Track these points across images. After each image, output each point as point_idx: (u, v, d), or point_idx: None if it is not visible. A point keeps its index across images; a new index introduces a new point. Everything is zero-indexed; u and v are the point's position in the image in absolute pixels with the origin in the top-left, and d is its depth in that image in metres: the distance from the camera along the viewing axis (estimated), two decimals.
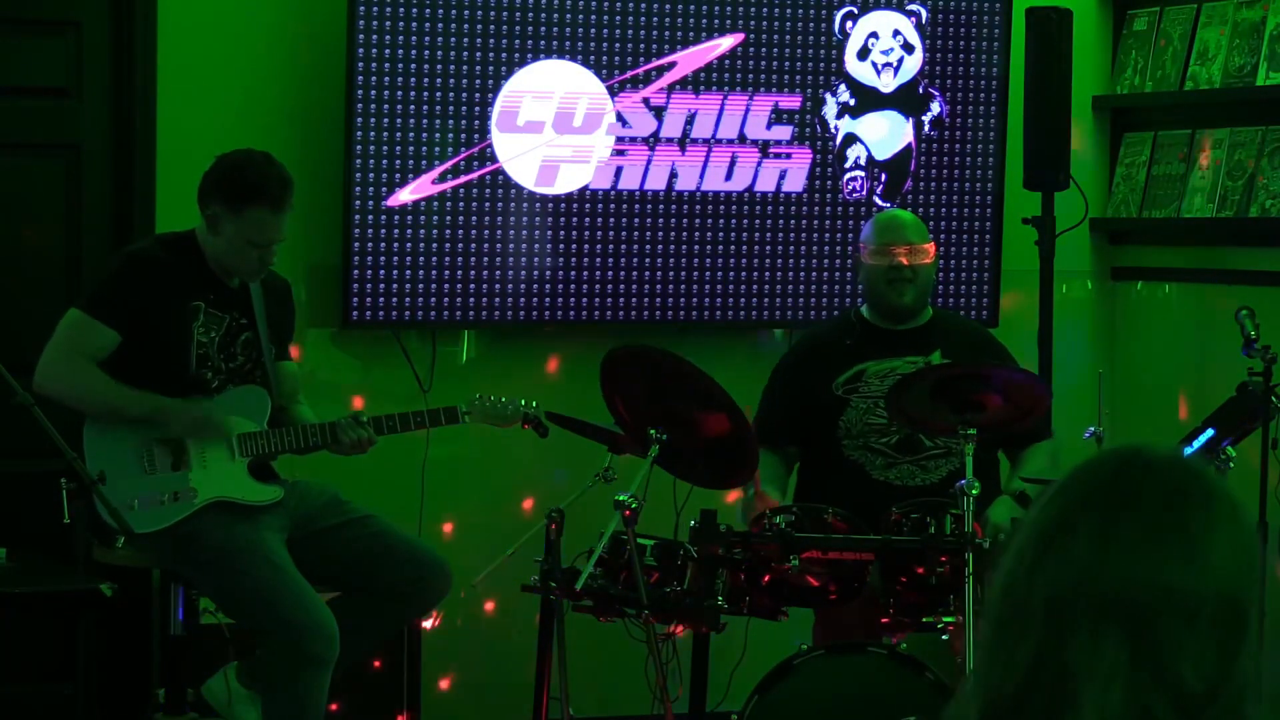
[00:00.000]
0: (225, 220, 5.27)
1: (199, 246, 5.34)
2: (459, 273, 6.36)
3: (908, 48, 6.74)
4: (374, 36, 6.20)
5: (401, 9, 6.22)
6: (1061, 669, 1.76)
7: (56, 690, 5.56)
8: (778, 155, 6.62)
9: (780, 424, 5.65)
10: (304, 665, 5.20)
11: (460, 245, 6.35)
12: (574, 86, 6.41)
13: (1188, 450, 5.19)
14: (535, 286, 6.44)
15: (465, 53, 6.30)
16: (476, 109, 6.32)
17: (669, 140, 6.52)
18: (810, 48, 6.64)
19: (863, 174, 6.72)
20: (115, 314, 5.24)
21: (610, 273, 6.50)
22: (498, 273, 6.39)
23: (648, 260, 6.54)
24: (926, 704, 4.79)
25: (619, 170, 6.49)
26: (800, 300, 6.68)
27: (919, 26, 6.75)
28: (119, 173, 6.25)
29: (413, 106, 6.26)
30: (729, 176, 6.59)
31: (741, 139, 6.58)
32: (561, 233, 6.45)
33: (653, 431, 4.97)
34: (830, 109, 6.67)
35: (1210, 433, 5.43)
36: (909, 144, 6.77)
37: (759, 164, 6.60)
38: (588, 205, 6.47)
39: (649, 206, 6.53)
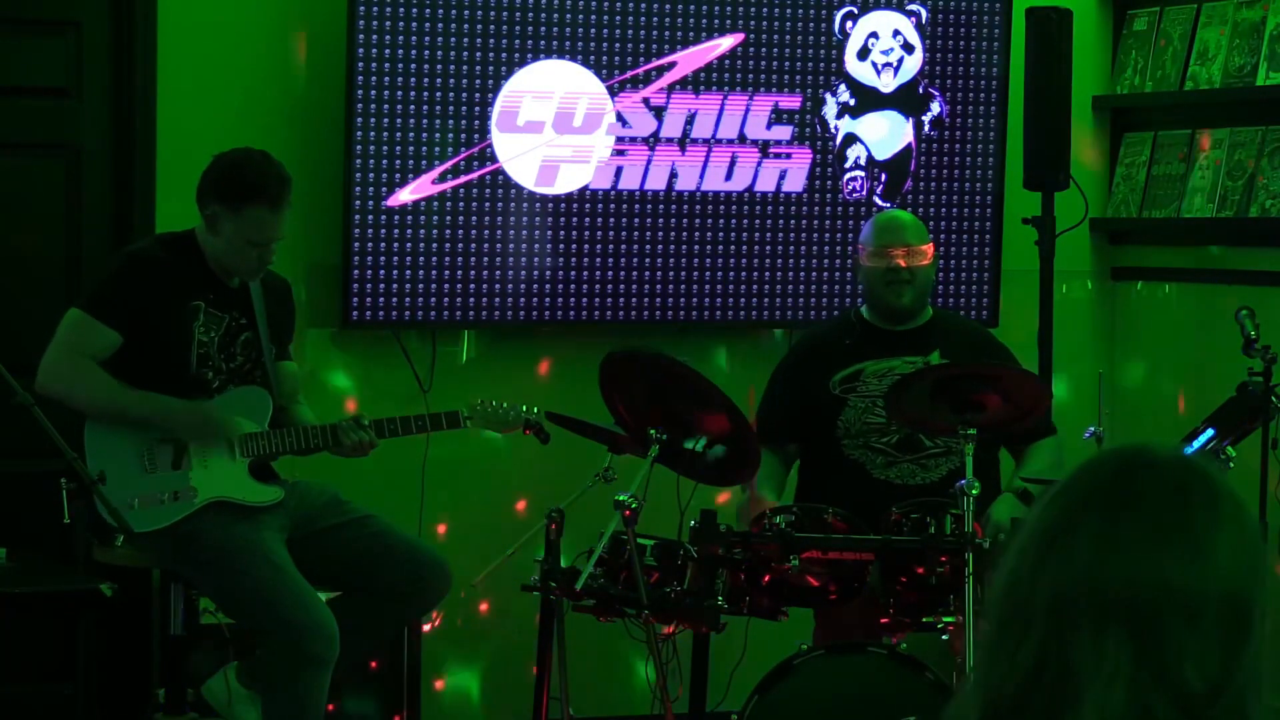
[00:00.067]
0: (224, 219, 5.26)
1: (199, 246, 5.33)
2: (459, 273, 6.35)
3: (908, 48, 6.74)
4: (374, 36, 6.20)
5: (401, 9, 6.22)
6: (1064, 669, 1.75)
7: (56, 690, 5.56)
8: (778, 155, 6.62)
9: (780, 423, 5.66)
10: (304, 665, 5.19)
11: (460, 245, 6.35)
12: (574, 86, 6.41)
13: (1188, 450, 5.19)
14: (535, 286, 6.43)
15: (465, 53, 6.29)
16: (476, 109, 6.32)
17: (669, 140, 6.52)
18: (810, 48, 6.63)
19: (863, 174, 6.72)
20: (116, 314, 5.23)
21: (610, 273, 6.50)
22: (498, 273, 6.39)
23: (648, 260, 6.54)
24: (926, 704, 4.78)
25: (619, 170, 6.49)
26: (800, 300, 6.68)
27: (919, 26, 6.75)
28: (119, 173, 6.25)
29: (413, 106, 6.26)
30: (729, 176, 6.58)
31: (741, 139, 6.58)
32: (561, 233, 6.45)
33: (653, 431, 4.97)
34: (830, 109, 6.67)
35: (1210, 433, 5.43)
36: (909, 144, 6.77)
37: (759, 164, 6.60)
38: (588, 205, 6.47)
39: (649, 206, 6.53)
